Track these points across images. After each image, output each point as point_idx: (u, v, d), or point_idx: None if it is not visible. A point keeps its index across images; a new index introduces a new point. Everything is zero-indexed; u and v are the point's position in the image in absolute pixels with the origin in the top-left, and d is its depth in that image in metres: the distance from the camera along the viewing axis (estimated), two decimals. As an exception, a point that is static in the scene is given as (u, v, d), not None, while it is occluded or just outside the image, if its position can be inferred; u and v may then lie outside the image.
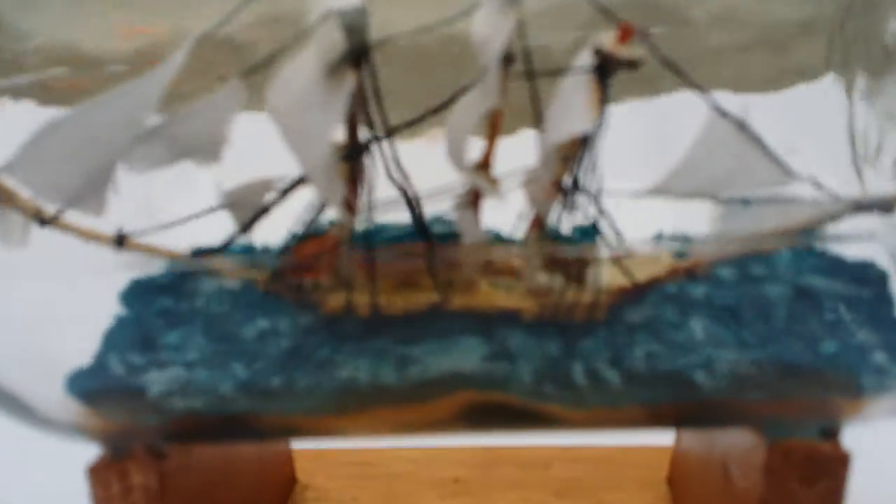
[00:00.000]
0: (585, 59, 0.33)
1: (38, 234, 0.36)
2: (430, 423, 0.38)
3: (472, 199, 0.35)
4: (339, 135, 0.33)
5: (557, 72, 0.33)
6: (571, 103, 0.32)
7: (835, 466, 0.35)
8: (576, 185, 0.34)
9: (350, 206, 0.35)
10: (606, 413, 0.37)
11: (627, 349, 0.35)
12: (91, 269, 0.37)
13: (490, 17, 0.31)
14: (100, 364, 0.37)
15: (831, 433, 0.36)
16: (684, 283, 0.37)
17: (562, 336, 0.35)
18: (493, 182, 0.34)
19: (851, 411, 0.36)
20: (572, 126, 0.31)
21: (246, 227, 0.37)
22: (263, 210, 0.36)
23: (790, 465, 0.35)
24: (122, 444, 0.37)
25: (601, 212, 0.35)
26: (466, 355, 0.35)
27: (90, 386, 0.36)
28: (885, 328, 0.37)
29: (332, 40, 0.31)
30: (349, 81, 0.32)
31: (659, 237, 0.40)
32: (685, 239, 0.40)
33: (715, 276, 0.37)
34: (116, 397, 0.36)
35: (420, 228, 0.35)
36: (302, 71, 0.31)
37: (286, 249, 0.38)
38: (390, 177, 0.35)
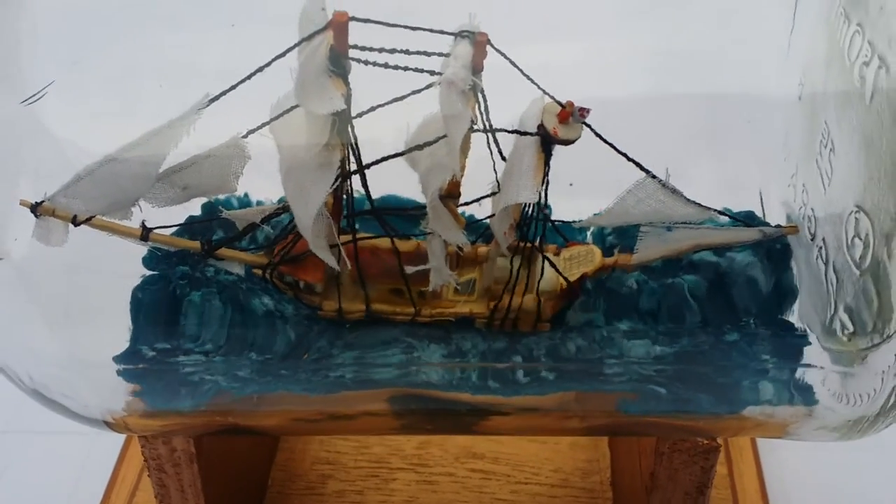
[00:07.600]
0: (533, 122, 0.38)
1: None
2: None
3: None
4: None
5: (512, 132, 0.39)
6: (521, 170, 0.38)
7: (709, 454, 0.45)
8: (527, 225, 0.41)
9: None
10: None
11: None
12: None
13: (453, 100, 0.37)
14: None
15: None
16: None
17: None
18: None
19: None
20: (521, 197, 0.38)
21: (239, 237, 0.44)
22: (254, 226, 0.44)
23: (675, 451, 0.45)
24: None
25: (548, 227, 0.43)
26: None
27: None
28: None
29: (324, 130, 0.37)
30: (338, 154, 0.38)
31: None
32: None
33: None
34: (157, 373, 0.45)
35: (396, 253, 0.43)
36: (300, 148, 0.37)
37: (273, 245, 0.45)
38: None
